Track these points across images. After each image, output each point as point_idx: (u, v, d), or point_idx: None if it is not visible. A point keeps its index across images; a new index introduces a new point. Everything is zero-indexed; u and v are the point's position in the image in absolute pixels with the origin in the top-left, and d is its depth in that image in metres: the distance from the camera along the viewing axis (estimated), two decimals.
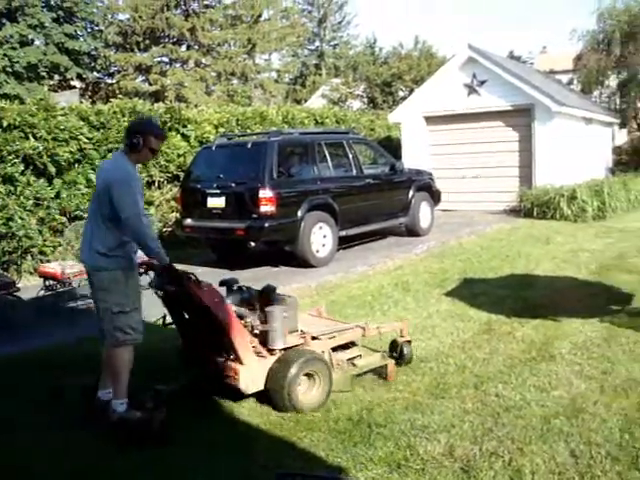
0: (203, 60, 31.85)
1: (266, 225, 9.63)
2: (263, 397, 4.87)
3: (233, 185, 10.05)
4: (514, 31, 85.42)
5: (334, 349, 5.27)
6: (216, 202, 10.19)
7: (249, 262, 10.39)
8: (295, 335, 5.08)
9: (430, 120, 17.70)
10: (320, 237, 10.35)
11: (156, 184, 12.88)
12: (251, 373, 4.71)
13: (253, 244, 10.05)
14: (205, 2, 31.63)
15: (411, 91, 22.32)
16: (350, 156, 11.50)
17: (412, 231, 12.57)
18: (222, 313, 4.62)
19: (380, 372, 5.44)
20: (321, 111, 18.72)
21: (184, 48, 31.95)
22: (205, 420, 4.74)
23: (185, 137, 13.34)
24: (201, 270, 8.76)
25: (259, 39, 32.28)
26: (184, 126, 13.35)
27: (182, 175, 11.98)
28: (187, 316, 5.12)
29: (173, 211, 12.59)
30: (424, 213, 12.79)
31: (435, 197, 13.35)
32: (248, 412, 4.82)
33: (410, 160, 16.31)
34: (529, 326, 6.65)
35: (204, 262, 10.53)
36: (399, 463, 4.00)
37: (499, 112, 16.64)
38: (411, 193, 12.41)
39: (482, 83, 16.77)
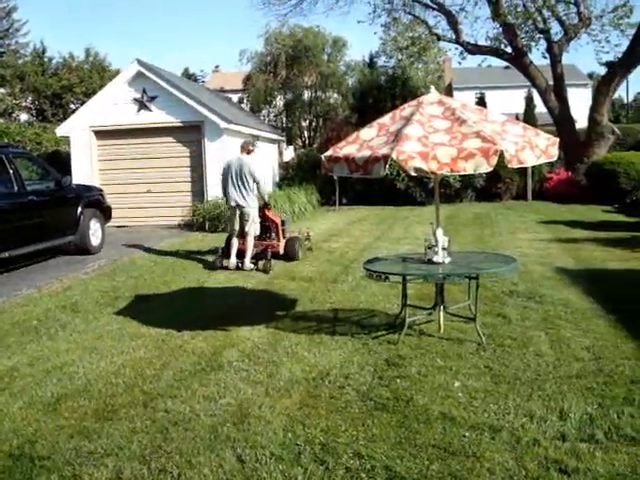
0: None
1: None
2: None
3: None
4: (190, 49, 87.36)
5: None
6: None
7: None
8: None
9: (100, 134, 17.24)
10: None
11: None
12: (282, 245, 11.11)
13: None
14: None
15: (82, 104, 21.47)
16: (10, 172, 10.61)
17: (82, 249, 12.05)
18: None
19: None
20: None
21: None
22: None
23: None
24: None
25: None
26: None
27: None
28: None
29: None
30: (94, 230, 12.36)
31: (106, 213, 13.00)
32: None
33: (80, 175, 15.71)
34: (200, 338, 6.75)
35: None
36: None
37: (170, 128, 16.83)
38: (79, 210, 11.91)
39: (153, 99, 16.80)
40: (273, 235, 11.43)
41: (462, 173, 5.81)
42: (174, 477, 3.92)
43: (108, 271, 10.64)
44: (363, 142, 6.03)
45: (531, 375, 5.38)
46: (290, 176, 23.34)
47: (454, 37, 23.79)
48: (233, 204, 10.64)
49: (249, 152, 10.82)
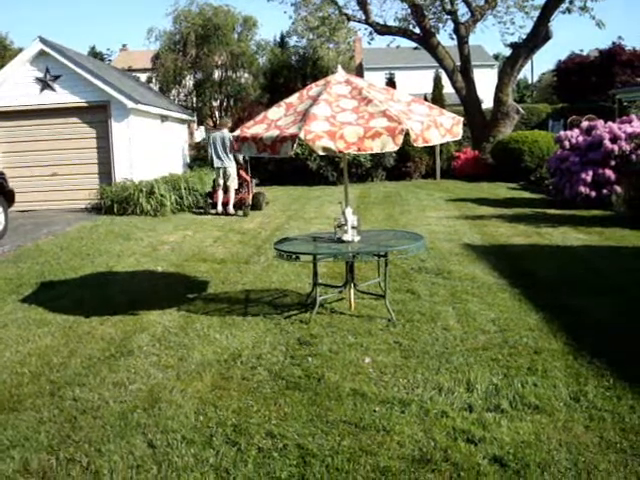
0: None
1: None
2: None
3: None
4: (96, 26, 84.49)
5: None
6: None
7: None
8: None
9: (1, 116, 16.45)
10: None
11: None
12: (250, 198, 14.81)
13: None
14: None
15: None
16: None
17: None
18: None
19: None
20: None
21: None
22: None
23: None
24: None
25: None
26: None
27: None
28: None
29: None
30: None
31: (8, 197, 12.47)
32: None
33: None
34: (109, 323, 6.61)
35: None
36: None
37: (75, 108, 16.27)
38: None
39: (56, 78, 16.17)
40: (245, 189, 15.38)
41: (369, 152, 5.88)
42: (83, 466, 3.84)
43: (12, 257, 10.24)
44: (271, 122, 6.01)
45: (439, 349, 5.54)
46: (202, 157, 23.04)
47: (364, 17, 23.96)
48: (219, 165, 14.77)
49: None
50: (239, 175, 15.23)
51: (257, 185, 17.30)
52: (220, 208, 14.78)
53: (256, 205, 15.21)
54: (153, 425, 4.31)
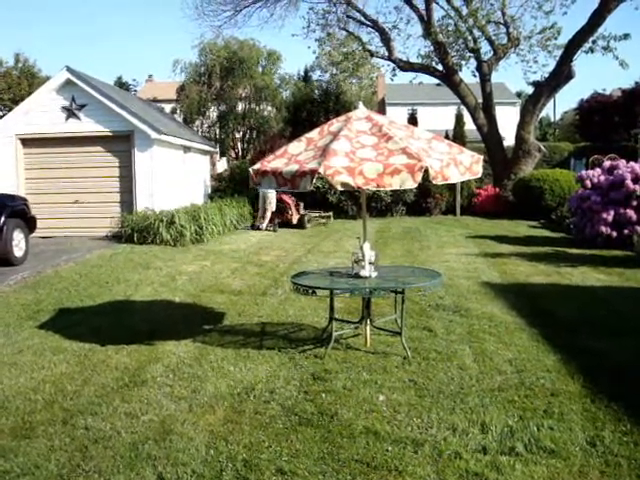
0: None
1: None
2: None
3: None
4: (124, 57, 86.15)
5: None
6: None
7: None
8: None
9: (27, 143, 16.73)
10: None
11: None
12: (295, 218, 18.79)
13: None
14: None
15: (10, 111, 20.84)
16: None
17: (5, 260, 11.63)
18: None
19: None
20: None
21: None
22: None
23: None
24: None
25: None
26: None
27: None
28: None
29: None
30: (18, 241, 11.96)
31: (30, 224, 12.61)
32: None
33: (5, 185, 15.25)
34: (124, 352, 6.62)
35: None
36: None
37: (99, 137, 16.50)
38: (2, 220, 11.50)
39: (82, 107, 16.43)
40: (289, 211, 19.17)
41: (388, 189, 5.89)
42: None
43: (31, 283, 10.33)
44: (291, 156, 6.05)
45: (455, 388, 5.47)
46: (222, 188, 23.19)
47: (387, 54, 24.18)
48: (261, 192, 18.24)
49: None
50: (281, 199, 19.03)
51: (304, 208, 20.08)
52: (262, 226, 18.38)
53: (301, 224, 18.98)
54: (163, 457, 4.28)
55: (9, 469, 4.16)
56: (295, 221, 19.17)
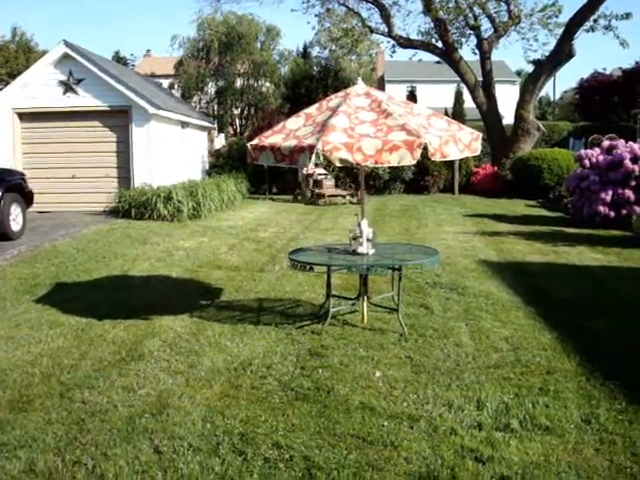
0: None
1: None
2: None
3: None
4: (121, 32, 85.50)
5: None
6: None
7: None
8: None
9: (24, 117, 16.66)
10: None
11: None
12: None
13: None
14: None
15: (7, 85, 20.69)
16: None
17: (2, 235, 11.60)
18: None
19: None
20: None
21: None
22: None
23: None
24: None
25: None
26: None
27: None
28: None
29: None
30: (15, 215, 11.94)
31: (28, 198, 12.58)
32: None
33: (1, 159, 15.18)
34: (121, 327, 6.62)
35: None
36: None
37: (97, 112, 16.42)
38: (0, 194, 11.48)
39: (79, 82, 16.33)
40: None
41: (386, 165, 5.87)
42: (89, 469, 3.83)
43: (28, 258, 10.31)
44: (289, 132, 6.02)
45: (451, 365, 5.49)
46: (220, 164, 23.10)
47: (387, 30, 23.97)
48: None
49: None
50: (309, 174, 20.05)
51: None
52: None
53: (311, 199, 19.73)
54: (160, 431, 4.30)
55: (6, 441, 4.17)
56: (308, 195, 19.78)
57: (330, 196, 19.39)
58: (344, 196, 19.66)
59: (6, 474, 3.79)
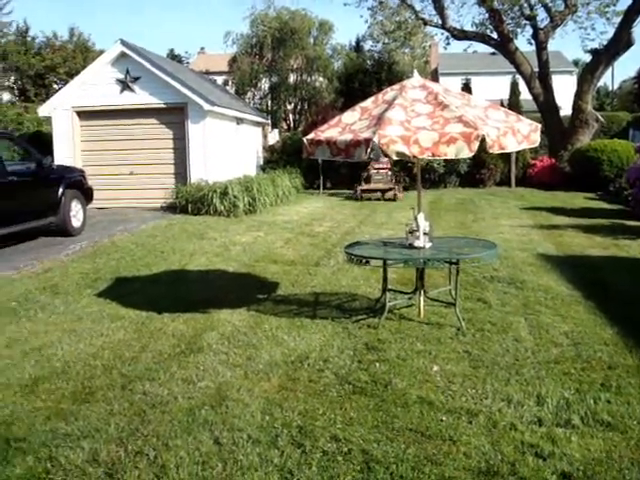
0: None
1: None
2: None
3: None
4: (175, 30, 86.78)
5: None
6: None
7: None
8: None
9: (82, 115, 17.03)
10: None
11: None
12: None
13: None
14: None
15: (65, 84, 21.22)
16: None
17: (63, 231, 11.93)
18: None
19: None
20: None
21: None
22: None
23: None
24: None
25: None
26: None
27: None
28: None
29: None
30: (75, 212, 12.25)
31: (87, 195, 12.89)
32: None
33: (62, 156, 15.57)
34: (180, 320, 6.73)
35: None
36: (39, 477, 3.75)
37: (153, 109, 16.66)
38: (61, 191, 11.78)
39: (136, 80, 16.62)
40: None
41: (444, 158, 5.81)
42: (150, 459, 3.91)
43: (89, 253, 10.57)
44: (345, 125, 6.01)
45: (510, 360, 5.41)
46: (274, 159, 23.22)
47: (440, 22, 23.69)
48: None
49: None
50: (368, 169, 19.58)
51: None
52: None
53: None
54: (220, 422, 4.35)
55: (70, 432, 4.28)
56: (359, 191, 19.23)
57: (381, 191, 19.05)
58: (392, 189, 19.14)
59: (70, 464, 3.89)
